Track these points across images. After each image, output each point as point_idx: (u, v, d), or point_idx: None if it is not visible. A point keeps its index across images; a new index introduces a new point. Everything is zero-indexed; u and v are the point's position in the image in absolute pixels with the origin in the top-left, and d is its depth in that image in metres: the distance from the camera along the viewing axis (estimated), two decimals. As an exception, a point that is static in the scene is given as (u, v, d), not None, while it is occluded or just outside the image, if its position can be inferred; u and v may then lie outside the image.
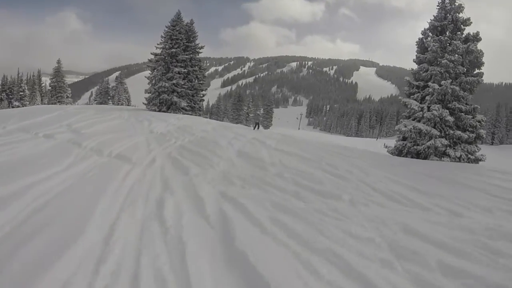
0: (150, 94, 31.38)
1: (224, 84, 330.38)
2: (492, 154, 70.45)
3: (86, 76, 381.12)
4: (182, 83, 30.23)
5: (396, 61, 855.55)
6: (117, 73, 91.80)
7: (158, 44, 31.71)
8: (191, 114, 30.39)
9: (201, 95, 33.33)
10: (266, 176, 7.74)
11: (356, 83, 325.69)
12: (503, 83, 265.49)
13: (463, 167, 12.75)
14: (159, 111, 29.87)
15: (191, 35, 32.37)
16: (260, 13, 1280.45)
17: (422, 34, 20.19)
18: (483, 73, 18.89)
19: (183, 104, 30.11)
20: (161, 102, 30.24)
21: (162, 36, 31.66)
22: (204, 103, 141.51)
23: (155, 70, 31.18)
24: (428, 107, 18.50)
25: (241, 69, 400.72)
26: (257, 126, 24.27)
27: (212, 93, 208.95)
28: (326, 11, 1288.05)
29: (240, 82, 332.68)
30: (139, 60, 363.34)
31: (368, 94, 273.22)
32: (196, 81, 32.27)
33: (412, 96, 19.68)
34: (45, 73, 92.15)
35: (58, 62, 59.93)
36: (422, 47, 20.22)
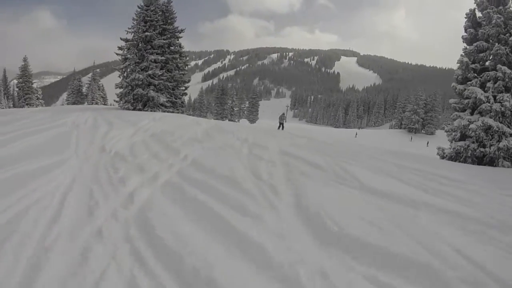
0: (122, 89, 25.85)
1: (205, 78, 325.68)
2: None
3: (64, 76, 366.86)
4: (160, 73, 24.57)
5: (376, 50, 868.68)
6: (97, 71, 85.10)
7: (129, 28, 26.01)
8: (172, 112, 25.01)
9: (183, 88, 27.75)
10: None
11: (338, 73, 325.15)
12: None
13: None
14: (134, 109, 24.41)
15: (168, 16, 26.78)
16: (238, 5, 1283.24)
17: (477, 5, 15.40)
18: None
19: (162, 99, 24.54)
20: (135, 98, 24.64)
21: (134, 19, 26.01)
22: (186, 98, 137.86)
23: (126, 60, 25.56)
24: (494, 97, 13.69)
25: (222, 62, 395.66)
26: (281, 126, 23.30)
27: (194, 88, 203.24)
28: (303, 2, 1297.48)
29: (221, 76, 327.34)
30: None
31: (351, 84, 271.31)
32: (177, 71, 26.67)
33: (469, 82, 14.81)
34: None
35: (25, 60, 52.87)
36: (474, 21, 15.60)
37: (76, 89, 69.59)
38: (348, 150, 10.84)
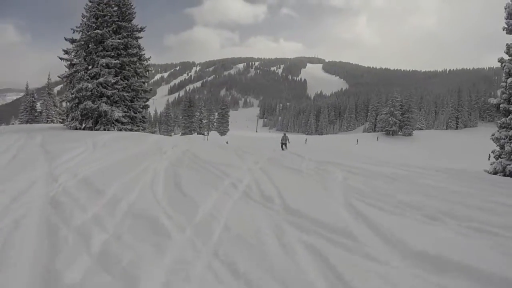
0: (68, 103, 20.85)
1: (171, 91, 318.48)
2: (466, 137, 68.51)
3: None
4: (114, 81, 19.74)
5: (341, 56, 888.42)
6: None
7: (77, 27, 21.02)
8: (131, 129, 20.24)
9: (145, 100, 22.93)
10: None
11: (305, 80, 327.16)
12: (447, 70, 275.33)
13: None
14: (83, 128, 19.47)
15: (126, 11, 22.02)
16: (203, 17, 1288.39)
17: None
18: None
19: (117, 114, 19.63)
20: (83, 113, 19.64)
21: (83, 15, 21.14)
22: (152, 112, 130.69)
23: (73, 66, 20.57)
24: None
25: (188, 74, 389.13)
26: (284, 146, 21.79)
27: (160, 101, 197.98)
28: (267, 12, 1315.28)
29: (187, 88, 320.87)
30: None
31: (318, 90, 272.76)
32: (136, 78, 21.89)
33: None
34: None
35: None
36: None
37: (29, 106, 62.38)
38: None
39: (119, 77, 20.58)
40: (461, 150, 49.53)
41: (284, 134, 23.29)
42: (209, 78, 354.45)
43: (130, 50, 21.74)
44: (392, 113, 69.79)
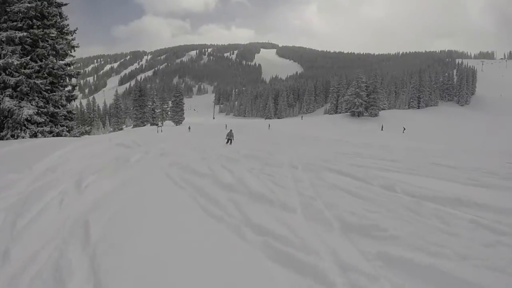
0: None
1: (122, 82, 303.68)
2: (427, 116, 69.30)
3: None
4: (18, 62, 13.82)
5: (294, 41, 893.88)
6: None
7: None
8: (50, 132, 14.51)
9: (70, 88, 16.99)
10: None
11: (259, 64, 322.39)
12: (400, 53, 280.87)
13: None
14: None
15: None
16: (152, 7, 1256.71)
17: None
18: None
19: (28, 111, 13.90)
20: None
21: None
22: (101, 105, 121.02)
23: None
24: None
25: (139, 64, 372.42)
26: (229, 142, 21.31)
27: (110, 92, 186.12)
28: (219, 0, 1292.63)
29: (138, 77, 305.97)
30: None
31: (273, 74, 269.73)
32: (56, 58, 15.95)
33: None
34: None
35: None
36: None
37: None
38: None
39: (30, 57, 14.66)
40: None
41: (230, 130, 22.91)
42: (161, 67, 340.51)
43: (47, 21, 15.76)
44: (357, 94, 67.23)
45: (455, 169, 8.04)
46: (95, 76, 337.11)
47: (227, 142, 21.12)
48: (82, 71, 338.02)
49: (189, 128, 50.70)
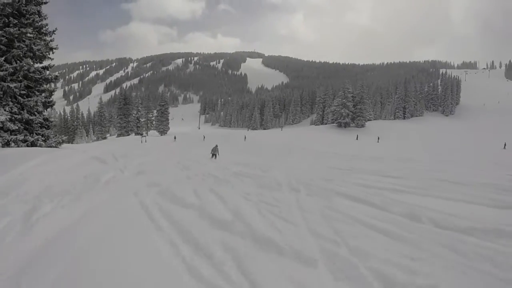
0: None
1: (107, 89, 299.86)
2: (413, 127, 70.33)
3: None
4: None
5: (280, 51, 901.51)
6: None
7: None
8: (24, 141, 13.51)
9: (47, 93, 16.02)
10: None
11: (245, 74, 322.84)
12: (384, 63, 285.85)
13: None
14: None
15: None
16: (140, 13, 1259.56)
17: None
18: None
19: (0, 117, 12.82)
20: None
21: None
22: (85, 112, 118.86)
23: None
24: None
25: (124, 71, 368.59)
26: (214, 157, 21.65)
27: (95, 100, 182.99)
28: (205, 7, 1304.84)
29: (124, 85, 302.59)
30: None
31: (259, 84, 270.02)
32: (33, 60, 15.01)
33: None
34: None
35: None
36: None
37: None
38: None
39: (4, 58, 13.68)
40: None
41: (216, 146, 23.55)
42: (147, 75, 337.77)
43: (25, 19, 14.84)
44: (344, 105, 67.09)
45: (465, 186, 7.54)
46: (80, 82, 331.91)
47: (212, 157, 21.45)
48: (67, 77, 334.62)
49: (175, 138, 50.24)
